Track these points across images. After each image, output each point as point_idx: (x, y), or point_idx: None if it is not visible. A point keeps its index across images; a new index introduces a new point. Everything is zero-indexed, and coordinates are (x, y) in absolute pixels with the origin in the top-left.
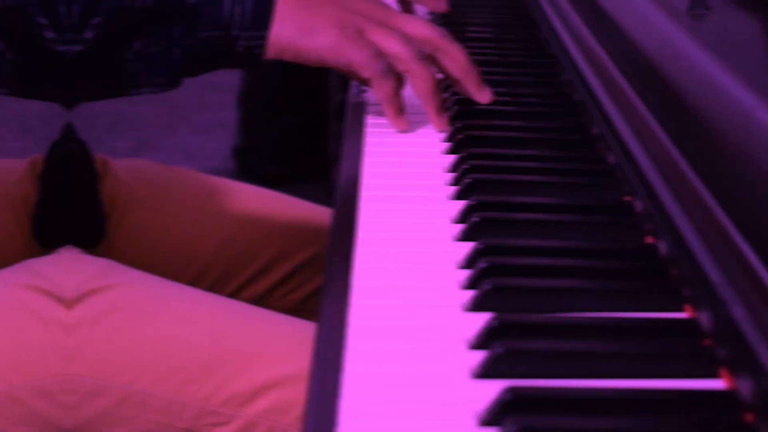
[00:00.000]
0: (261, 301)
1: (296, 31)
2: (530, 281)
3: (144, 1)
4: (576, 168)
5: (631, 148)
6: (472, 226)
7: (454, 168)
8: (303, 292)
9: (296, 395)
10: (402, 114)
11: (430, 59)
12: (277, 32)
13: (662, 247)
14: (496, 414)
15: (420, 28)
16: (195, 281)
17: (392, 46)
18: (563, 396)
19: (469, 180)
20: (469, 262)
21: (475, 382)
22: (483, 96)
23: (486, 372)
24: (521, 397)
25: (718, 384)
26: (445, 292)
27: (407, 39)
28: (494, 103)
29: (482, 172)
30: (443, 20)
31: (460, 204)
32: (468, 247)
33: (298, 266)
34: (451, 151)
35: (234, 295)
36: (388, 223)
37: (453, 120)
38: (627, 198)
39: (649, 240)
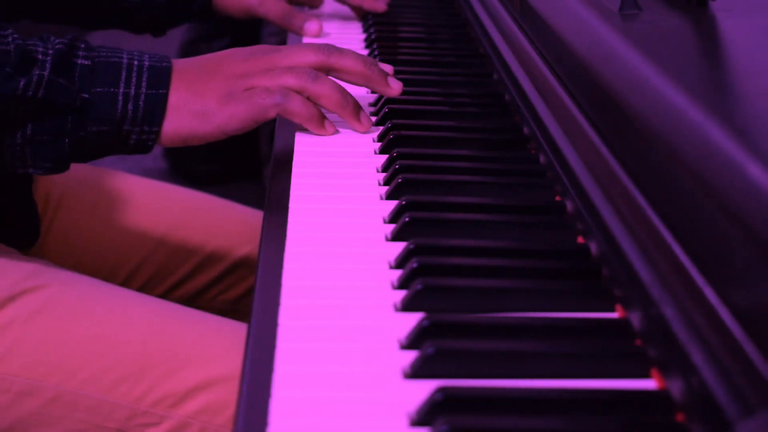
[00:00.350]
0: (192, 301)
1: (191, 120)
2: (461, 281)
3: (35, 90)
4: (507, 168)
5: (561, 149)
6: (404, 225)
7: (385, 167)
8: (235, 293)
9: (228, 396)
10: (323, 123)
11: (325, 72)
12: (173, 125)
13: (593, 247)
14: (427, 414)
15: (303, 56)
16: (127, 281)
17: (282, 82)
18: (495, 396)
19: (400, 180)
20: (400, 262)
21: (406, 382)
22: (392, 90)
23: (417, 372)
24: (452, 398)
25: (649, 384)
26: (376, 292)
27: (293, 69)
28: (426, 102)
29: (413, 172)
30: (375, 20)
31: (392, 204)
32: (400, 247)
33: (230, 268)
34: (383, 151)
35: (165, 295)
36: (319, 223)
37: (384, 120)
38: (558, 198)
39: (580, 240)
